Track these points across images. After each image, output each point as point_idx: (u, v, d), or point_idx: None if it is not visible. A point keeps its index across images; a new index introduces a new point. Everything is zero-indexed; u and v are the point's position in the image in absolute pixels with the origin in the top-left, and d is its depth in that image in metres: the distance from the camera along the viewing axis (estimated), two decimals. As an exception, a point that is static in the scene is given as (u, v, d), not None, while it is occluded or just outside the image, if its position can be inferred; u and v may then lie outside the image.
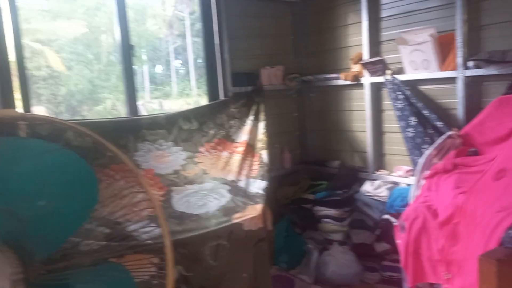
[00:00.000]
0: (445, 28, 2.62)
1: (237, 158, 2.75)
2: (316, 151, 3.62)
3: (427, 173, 2.35)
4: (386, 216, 2.74)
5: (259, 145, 2.85)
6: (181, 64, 6.03)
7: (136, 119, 2.63)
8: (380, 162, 3.14)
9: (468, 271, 1.69)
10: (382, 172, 3.07)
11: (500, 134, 2.24)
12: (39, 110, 4.39)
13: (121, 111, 3.28)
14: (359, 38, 3.08)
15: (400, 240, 2.17)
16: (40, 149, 1.46)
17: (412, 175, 2.69)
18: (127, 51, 2.81)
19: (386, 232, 2.72)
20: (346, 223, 2.98)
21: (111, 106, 4.49)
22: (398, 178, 2.91)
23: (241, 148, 2.80)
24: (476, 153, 2.36)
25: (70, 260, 1.43)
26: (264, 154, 2.81)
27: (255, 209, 2.37)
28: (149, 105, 5.38)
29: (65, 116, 4.23)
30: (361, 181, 3.08)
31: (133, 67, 2.91)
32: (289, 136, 3.56)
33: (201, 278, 2.07)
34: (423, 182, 2.35)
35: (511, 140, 2.18)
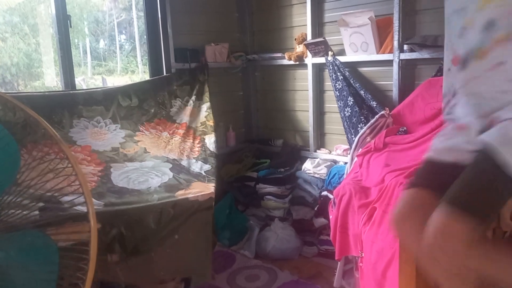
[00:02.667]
0: (384, 12, 2.70)
1: (177, 139, 2.71)
2: (260, 130, 3.66)
3: (360, 151, 2.45)
4: (325, 193, 2.84)
5: (201, 128, 2.82)
6: (125, 39, 5.80)
7: (72, 93, 2.52)
8: (321, 141, 3.23)
9: (371, 254, 1.78)
10: (322, 151, 3.16)
11: (428, 114, 2.36)
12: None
13: (60, 86, 3.14)
14: (303, 19, 3.11)
15: (331, 215, 2.26)
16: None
17: (349, 154, 2.79)
18: (63, 21, 2.68)
19: (324, 208, 2.82)
20: (287, 200, 3.06)
21: (50, 82, 4.28)
22: (337, 157, 3.02)
23: (181, 130, 2.76)
24: (406, 132, 2.48)
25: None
26: (208, 139, 2.77)
27: (205, 187, 2.36)
28: (91, 81, 5.17)
29: (-2, 90, 3.98)
30: (303, 160, 3.17)
31: (73, 39, 2.78)
32: (233, 114, 3.57)
33: (137, 238, 2.05)
34: (356, 159, 2.45)
35: (438, 120, 2.31)
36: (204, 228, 2.24)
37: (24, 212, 1.56)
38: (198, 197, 2.21)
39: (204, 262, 2.25)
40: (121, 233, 1.99)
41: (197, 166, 2.59)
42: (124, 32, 5.24)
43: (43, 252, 1.43)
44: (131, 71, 5.52)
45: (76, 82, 2.85)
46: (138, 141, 2.63)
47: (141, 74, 5.02)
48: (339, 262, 2.34)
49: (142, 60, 4.99)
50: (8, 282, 1.34)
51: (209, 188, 2.32)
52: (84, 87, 3.35)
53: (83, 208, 1.76)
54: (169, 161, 2.57)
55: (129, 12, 5.47)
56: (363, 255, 1.88)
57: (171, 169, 2.51)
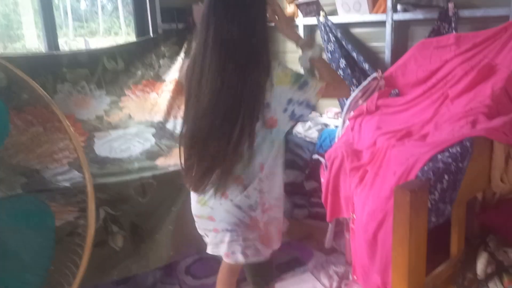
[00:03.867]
0: (377, -31, 2.62)
1: (166, 96, 2.64)
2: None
3: (352, 114, 2.44)
4: (316, 156, 2.84)
5: None
6: None
7: (55, 55, 2.44)
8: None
9: (362, 216, 1.80)
10: (313, 114, 3.14)
11: (420, 76, 2.34)
12: None
13: (42, 48, 3.03)
14: (294, -23, 3.01)
15: (323, 178, 2.27)
16: None
17: (341, 117, 2.78)
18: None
19: (315, 171, 2.83)
20: (278, 164, 3.06)
21: (30, 44, 4.12)
22: (328, 120, 3.00)
23: (171, 87, 2.69)
24: (398, 94, 2.47)
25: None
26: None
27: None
28: (73, 43, 4.99)
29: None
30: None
31: (56, 3, 2.65)
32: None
33: (130, 215, 2.05)
34: (348, 123, 2.44)
35: (430, 82, 2.30)
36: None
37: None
38: (178, 167, 2.19)
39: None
40: (110, 214, 1.97)
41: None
42: None
43: (37, 217, 1.41)
44: (114, 32, 5.32)
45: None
46: (123, 107, 2.58)
47: (124, 35, 4.85)
48: (330, 224, 2.37)
49: (125, 21, 4.79)
50: (1, 246, 1.33)
51: None
52: (67, 50, 3.24)
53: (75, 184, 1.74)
54: (153, 125, 2.53)
55: (110, -29, 5.28)
56: (354, 217, 1.90)
57: (154, 135, 2.48)
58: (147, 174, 2.10)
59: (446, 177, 1.40)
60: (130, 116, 2.55)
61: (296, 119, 1.46)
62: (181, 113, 2.62)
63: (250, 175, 1.43)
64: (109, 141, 2.35)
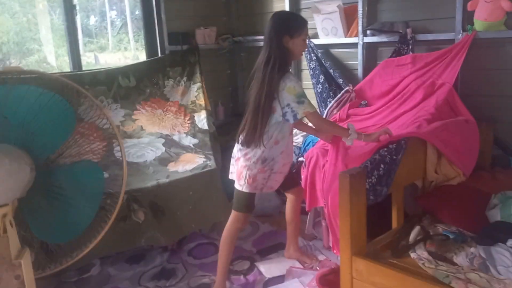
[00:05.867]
0: (351, 0, 3.09)
1: (169, 116, 3.12)
2: (246, 105, 4.07)
3: (328, 121, 2.89)
4: (301, 159, 3.27)
5: (191, 106, 3.21)
6: (116, 15, 5.98)
7: (79, 74, 2.92)
8: (299, 114, 3.66)
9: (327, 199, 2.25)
10: (300, 123, 3.59)
11: (384, 89, 2.79)
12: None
13: (53, 64, 3.49)
14: (282, 5, 3.49)
15: (303, 175, 2.71)
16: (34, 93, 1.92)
17: (321, 124, 3.22)
18: (70, 10, 3.06)
19: (300, 172, 3.27)
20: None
21: (43, 58, 4.49)
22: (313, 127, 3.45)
23: (173, 108, 3.17)
24: (367, 105, 2.91)
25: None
26: (197, 117, 3.14)
27: (192, 157, 2.82)
28: (83, 59, 5.41)
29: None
30: (283, 131, 3.59)
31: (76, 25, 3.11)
32: (222, 91, 3.98)
33: (149, 195, 2.50)
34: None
35: (391, 95, 2.74)
36: (211, 185, 2.71)
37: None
38: (185, 167, 2.69)
39: (220, 210, 2.75)
40: (132, 195, 2.44)
41: (187, 140, 3.01)
42: (114, 8, 5.26)
43: (93, 173, 2.03)
44: (124, 48, 5.67)
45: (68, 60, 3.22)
46: (136, 119, 3.05)
47: (133, 50, 5.23)
48: (309, 213, 2.80)
49: (134, 36, 5.10)
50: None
51: (196, 160, 2.78)
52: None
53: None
54: (162, 136, 2.99)
55: (119, -12, 5.66)
56: (326, 202, 2.32)
57: (163, 144, 2.94)
58: (163, 179, 2.59)
59: (382, 166, 1.84)
60: (142, 128, 3.01)
61: (285, 116, 2.06)
62: (183, 129, 3.10)
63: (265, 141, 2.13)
64: (126, 148, 2.81)
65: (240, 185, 2.19)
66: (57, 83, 2.03)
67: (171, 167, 2.76)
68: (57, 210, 1.86)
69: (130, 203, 2.42)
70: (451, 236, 1.82)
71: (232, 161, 2.25)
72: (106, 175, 2.44)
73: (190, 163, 2.79)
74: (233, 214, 2.29)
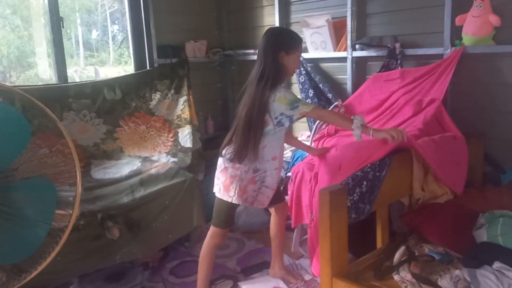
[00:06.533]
0: (340, 14, 3.06)
1: (152, 133, 3.05)
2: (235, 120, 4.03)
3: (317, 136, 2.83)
4: (289, 174, 3.21)
5: (176, 121, 3.14)
6: (118, 29, 5.98)
7: (64, 86, 2.86)
8: (290, 128, 3.61)
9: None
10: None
11: (373, 104, 2.73)
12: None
13: (46, 77, 3.46)
14: (272, 19, 3.47)
15: (289, 190, 2.64)
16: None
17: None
18: (56, 22, 3.03)
19: (287, 187, 3.20)
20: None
21: (43, 73, 4.54)
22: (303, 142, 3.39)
23: (158, 124, 3.10)
24: (356, 121, 2.86)
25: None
26: (181, 133, 3.07)
27: (165, 164, 2.78)
28: (83, 72, 5.38)
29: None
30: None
31: (66, 30, 3.06)
32: (212, 104, 3.94)
33: (122, 213, 2.43)
34: (313, 144, 2.83)
35: (380, 110, 2.69)
36: (186, 192, 2.65)
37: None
38: (158, 169, 2.64)
39: (198, 216, 2.70)
40: (106, 213, 2.36)
41: (166, 159, 2.91)
42: (116, 22, 5.29)
43: (44, 188, 1.88)
44: (124, 62, 5.69)
45: (69, 74, 3.18)
46: (117, 138, 2.98)
47: (133, 65, 5.22)
48: (295, 230, 2.72)
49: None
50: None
51: (168, 164, 2.74)
52: (77, 79, 3.67)
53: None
54: (141, 159, 2.90)
55: (121, 2, 5.76)
56: (313, 217, 2.25)
57: (140, 162, 2.86)
58: (135, 181, 2.53)
59: (365, 183, 1.77)
60: (121, 150, 2.93)
61: (280, 124, 2.03)
62: (165, 148, 3.03)
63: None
64: (104, 168, 2.74)
65: (230, 196, 2.11)
66: (16, 95, 1.93)
67: (144, 172, 2.70)
68: (5, 229, 1.77)
69: (104, 222, 2.34)
70: (436, 257, 1.75)
71: (217, 172, 2.19)
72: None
73: (162, 167, 2.74)
74: (212, 229, 2.22)
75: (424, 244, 1.91)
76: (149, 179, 2.58)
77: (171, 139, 3.04)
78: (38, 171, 2.00)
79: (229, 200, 2.12)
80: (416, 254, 1.81)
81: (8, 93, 1.98)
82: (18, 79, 5.19)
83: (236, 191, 2.09)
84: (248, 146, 2.03)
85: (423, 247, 1.89)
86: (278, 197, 2.41)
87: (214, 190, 2.20)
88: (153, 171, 2.65)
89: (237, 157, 2.05)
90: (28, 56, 5.07)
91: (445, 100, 2.49)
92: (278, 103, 1.97)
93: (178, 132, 3.08)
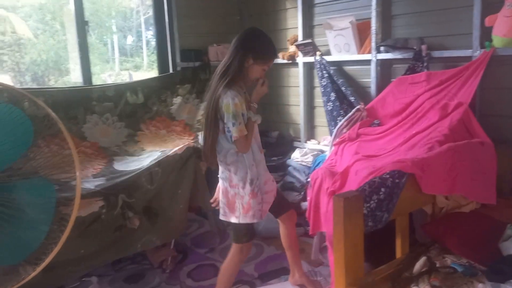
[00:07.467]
0: (364, 16, 2.98)
1: (173, 137, 3.06)
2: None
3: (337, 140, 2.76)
4: (309, 179, 3.16)
5: (196, 125, 3.15)
6: (152, 35, 6.12)
7: (88, 89, 2.92)
8: (312, 132, 3.55)
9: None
10: (312, 142, 3.48)
11: (397, 108, 2.65)
12: (3, 78, 4.55)
13: (77, 81, 3.53)
14: (295, 21, 3.43)
15: (308, 196, 2.59)
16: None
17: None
18: (82, 26, 3.09)
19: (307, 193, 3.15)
20: (278, 186, 3.39)
21: (76, 78, 4.66)
22: (324, 147, 3.33)
23: (178, 128, 3.11)
24: (379, 124, 2.77)
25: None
26: (201, 136, 3.08)
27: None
28: (118, 77, 5.48)
29: (30, 86, 4.41)
30: (295, 150, 3.49)
31: (102, 36, 3.13)
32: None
33: (142, 200, 2.49)
34: (334, 148, 2.76)
35: (404, 114, 2.60)
36: (196, 176, 2.67)
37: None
38: (176, 151, 2.65)
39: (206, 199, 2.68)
40: (126, 202, 2.41)
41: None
42: (151, 28, 5.70)
43: (44, 188, 1.89)
44: (157, 66, 5.76)
45: (103, 78, 3.25)
46: (138, 141, 3.02)
47: (157, 68, 5.30)
48: (315, 237, 2.66)
49: None
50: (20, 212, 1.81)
51: (186, 145, 2.76)
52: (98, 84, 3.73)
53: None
54: (162, 151, 2.92)
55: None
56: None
57: (161, 152, 2.88)
58: (154, 165, 2.56)
59: (382, 189, 1.70)
60: (142, 149, 2.98)
61: (227, 133, 1.98)
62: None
63: (221, 158, 2.05)
64: (126, 162, 2.78)
65: (236, 217, 2.07)
66: (21, 95, 1.97)
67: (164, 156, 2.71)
68: (3, 229, 1.79)
69: (125, 212, 2.40)
70: (459, 269, 1.66)
71: (220, 195, 2.14)
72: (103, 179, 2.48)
73: (180, 149, 2.75)
74: (234, 246, 2.16)
75: (446, 255, 1.82)
76: (167, 160, 2.60)
77: (192, 141, 3.05)
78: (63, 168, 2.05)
79: (237, 221, 2.07)
80: (437, 265, 1.72)
81: (21, 95, 2.01)
82: (56, 83, 5.33)
83: (241, 211, 2.05)
84: (205, 145, 2.02)
85: (445, 258, 1.80)
86: (284, 206, 2.35)
87: (220, 217, 2.15)
88: (171, 152, 2.67)
89: (205, 158, 2.07)
90: (64, 61, 5.20)
91: (473, 105, 2.38)
92: (224, 110, 1.93)
93: (198, 135, 3.08)
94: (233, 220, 2.08)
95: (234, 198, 2.05)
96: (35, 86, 4.08)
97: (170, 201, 2.58)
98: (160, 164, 2.57)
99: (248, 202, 2.03)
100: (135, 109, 3.03)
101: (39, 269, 1.82)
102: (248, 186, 2.02)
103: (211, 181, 2.56)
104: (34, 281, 1.92)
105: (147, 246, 2.54)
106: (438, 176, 1.84)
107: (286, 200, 2.46)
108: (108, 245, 2.38)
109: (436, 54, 2.60)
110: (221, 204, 2.13)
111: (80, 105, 2.83)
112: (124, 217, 2.41)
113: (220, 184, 2.13)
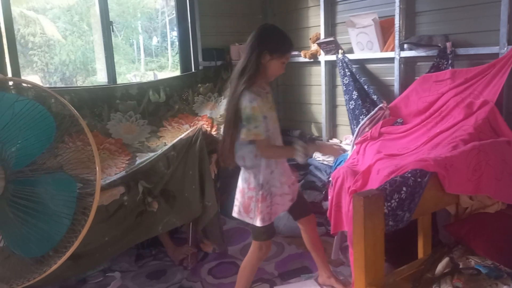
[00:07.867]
0: (387, 13, 2.94)
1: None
2: (280, 122, 3.98)
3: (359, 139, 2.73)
4: (330, 178, 3.13)
5: (220, 119, 3.16)
6: (176, 36, 6.18)
7: (111, 88, 2.99)
8: (334, 131, 3.53)
9: None
10: (334, 141, 3.46)
11: (420, 107, 2.60)
12: (33, 79, 4.70)
13: (103, 81, 3.62)
14: (317, 20, 3.41)
15: (329, 195, 2.57)
16: (9, 100, 1.89)
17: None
18: (107, 26, 3.16)
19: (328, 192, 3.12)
20: (300, 185, 3.38)
21: (102, 78, 4.77)
22: (346, 146, 3.29)
23: (201, 122, 3.14)
24: (402, 123, 2.73)
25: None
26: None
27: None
28: (143, 77, 5.57)
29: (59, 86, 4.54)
30: (317, 149, 3.47)
31: (128, 37, 3.22)
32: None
33: (159, 184, 2.53)
34: (355, 147, 2.74)
35: (428, 112, 2.55)
36: (203, 156, 2.66)
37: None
38: (189, 134, 2.67)
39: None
40: (146, 188, 2.47)
41: None
42: (175, 28, 5.85)
43: (67, 182, 1.96)
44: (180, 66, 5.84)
45: (129, 78, 3.34)
46: (161, 136, 3.07)
47: (180, 67, 5.37)
48: (335, 237, 2.64)
49: None
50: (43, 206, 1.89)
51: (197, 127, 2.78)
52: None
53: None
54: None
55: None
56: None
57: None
58: (169, 147, 2.60)
59: (404, 188, 1.68)
60: (165, 143, 3.01)
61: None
62: None
63: (240, 160, 2.04)
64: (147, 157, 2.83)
65: (251, 218, 2.08)
66: (47, 93, 2.03)
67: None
68: (27, 223, 1.85)
69: (145, 197, 2.46)
70: (483, 271, 1.62)
71: (236, 194, 2.15)
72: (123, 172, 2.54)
73: (193, 131, 2.75)
74: (253, 243, 2.16)
75: (470, 256, 1.78)
76: (180, 143, 2.62)
77: (215, 133, 3.08)
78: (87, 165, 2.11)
79: (251, 222, 2.07)
80: (461, 266, 1.68)
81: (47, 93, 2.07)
82: (83, 83, 5.46)
83: (255, 213, 2.05)
84: (224, 145, 2.00)
85: (469, 259, 1.76)
86: (305, 209, 2.35)
87: (233, 214, 2.15)
88: (183, 135, 2.69)
89: (223, 159, 2.05)
90: (91, 62, 5.34)
91: (500, 103, 2.31)
92: (242, 111, 1.92)
93: (221, 128, 3.12)
94: (247, 220, 2.10)
95: (250, 200, 2.05)
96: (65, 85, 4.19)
97: (184, 182, 2.61)
98: (175, 147, 2.59)
99: (258, 206, 2.03)
100: (158, 108, 3.09)
101: (65, 257, 1.89)
102: (259, 190, 2.03)
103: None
104: (63, 269, 2.00)
105: (168, 228, 2.60)
106: (462, 175, 1.80)
107: (307, 205, 2.44)
108: (131, 229, 2.45)
109: (461, 51, 2.54)
110: (236, 202, 2.13)
111: (104, 103, 2.90)
112: (145, 203, 2.47)
113: (239, 183, 2.13)
